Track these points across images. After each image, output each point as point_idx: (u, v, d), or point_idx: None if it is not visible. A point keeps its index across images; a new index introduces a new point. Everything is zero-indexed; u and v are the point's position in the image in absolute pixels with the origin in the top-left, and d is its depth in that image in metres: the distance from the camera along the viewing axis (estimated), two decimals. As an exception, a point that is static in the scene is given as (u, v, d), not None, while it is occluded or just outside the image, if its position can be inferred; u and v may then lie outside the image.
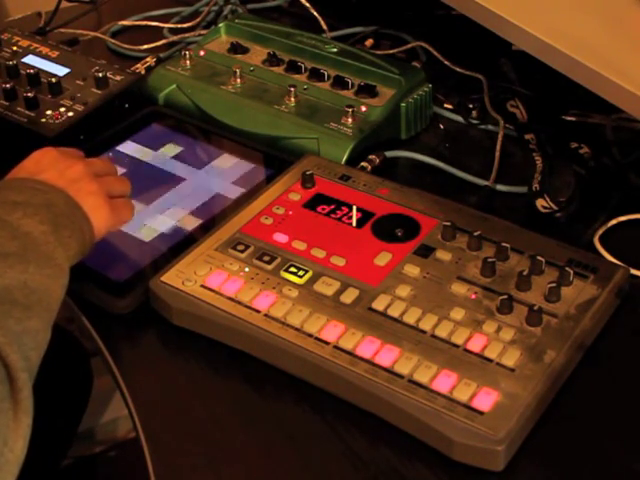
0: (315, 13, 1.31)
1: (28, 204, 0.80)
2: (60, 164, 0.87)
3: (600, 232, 0.97)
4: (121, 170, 1.06)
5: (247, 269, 0.90)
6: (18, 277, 0.74)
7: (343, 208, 0.96)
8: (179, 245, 0.95)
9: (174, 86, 1.18)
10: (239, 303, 0.87)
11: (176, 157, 1.09)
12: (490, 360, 0.80)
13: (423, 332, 0.83)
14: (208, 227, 0.97)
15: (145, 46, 1.32)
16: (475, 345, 0.81)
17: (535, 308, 0.83)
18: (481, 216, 0.95)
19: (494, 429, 0.75)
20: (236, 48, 1.23)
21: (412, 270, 0.89)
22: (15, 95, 1.15)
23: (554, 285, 0.85)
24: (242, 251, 0.92)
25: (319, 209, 0.97)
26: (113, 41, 1.33)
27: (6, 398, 0.67)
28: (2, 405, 0.67)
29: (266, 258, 0.91)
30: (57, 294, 0.78)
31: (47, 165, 0.86)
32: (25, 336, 0.72)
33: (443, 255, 0.90)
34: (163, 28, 1.36)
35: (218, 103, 1.15)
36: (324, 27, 1.30)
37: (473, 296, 0.86)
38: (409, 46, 1.28)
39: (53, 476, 1.32)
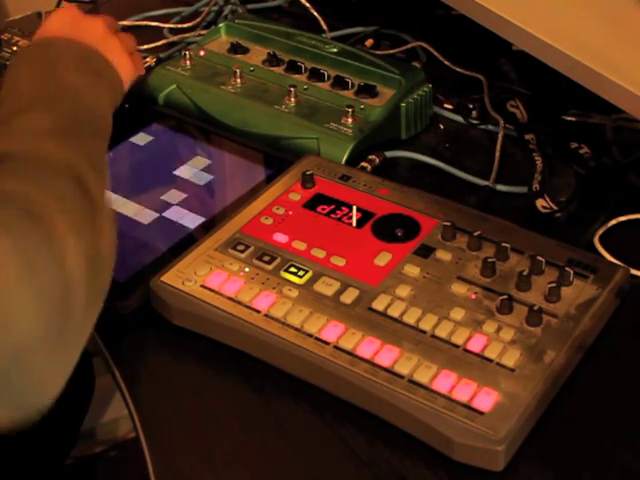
0: (315, 13, 1.31)
1: (69, 60, 0.87)
2: (82, 23, 0.93)
3: (600, 232, 0.97)
4: (121, 170, 1.06)
5: (247, 269, 0.90)
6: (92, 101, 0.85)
7: (343, 208, 0.96)
8: (179, 245, 0.95)
9: (174, 86, 1.18)
10: (239, 303, 0.87)
11: (176, 157, 1.09)
12: (490, 360, 0.80)
13: (423, 332, 0.83)
14: (208, 227, 0.97)
15: (145, 46, 1.31)
16: (475, 345, 0.81)
17: (535, 308, 0.83)
18: (481, 216, 0.95)
19: (494, 429, 0.75)
20: (236, 48, 1.23)
21: (412, 270, 0.89)
22: (15, 95, 1.15)
23: (554, 285, 0.85)
24: (242, 251, 0.92)
25: (319, 209, 0.97)
26: (113, 41, 1.33)
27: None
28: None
29: (266, 258, 0.91)
30: (104, 135, 0.87)
31: (70, 24, 0.92)
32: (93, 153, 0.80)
33: (443, 255, 0.90)
34: (163, 28, 1.35)
35: (218, 103, 1.15)
36: (324, 27, 1.30)
37: (473, 296, 0.86)
38: (409, 46, 1.28)
39: (56, 476, 1.32)
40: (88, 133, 0.82)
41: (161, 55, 1.28)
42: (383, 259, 0.90)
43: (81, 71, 0.87)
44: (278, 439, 0.80)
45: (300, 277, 0.88)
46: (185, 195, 1.03)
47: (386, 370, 0.80)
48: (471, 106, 1.17)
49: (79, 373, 1.34)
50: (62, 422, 1.27)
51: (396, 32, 1.31)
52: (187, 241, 0.96)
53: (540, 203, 0.99)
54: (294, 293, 0.87)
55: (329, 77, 1.17)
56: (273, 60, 1.20)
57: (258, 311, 0.86)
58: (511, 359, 0.80)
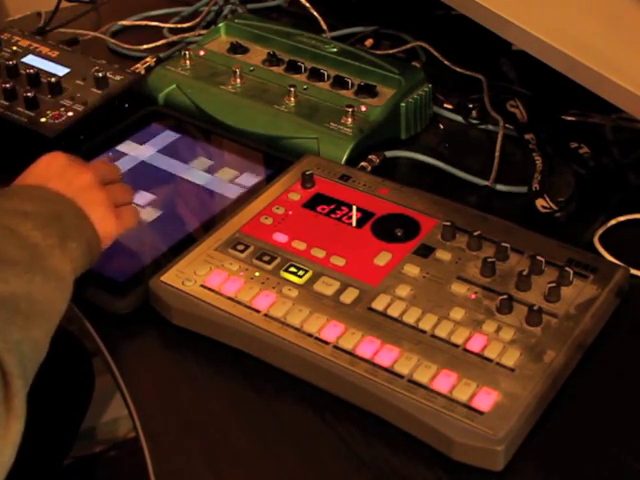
0: (315, 13, 1.31)
1: (38, 215, 0.80)
2: (68, 171, 0.87)
3: (600, 232, 0.97)
4: (121, 170, 1.06)
5: (247, 269, 0.90)
6: (23, 286, 0.75)
7: (343, 208, 0.96)
8: (179, 245, 0.95)
9: (174, 86, 1.18)
10: (239, 303, 0.87)
11: (176, 157, 1.09)
12: (490, 360, 0.80)
13: (423, 332, 0.83)
14: (208, 227, 0.97)
15: (145, 46, 1.32)
16: (475, 345, 0.81)
17: (535, 308, 0.83)
18: (481, 216, 0.95)
19: (494, 429, 0.75)
20: (236, 48, 1.23)
21: (412, 270, 0.89)
22: (15, 95, 1.15)
23: (554, 285, 0.85)
24: (242, 251, 0.92)
25: (319, 209, 0.97)
26: (113, 41, 1.33)
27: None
28: None
29: (266, 258, 0.91)
30: (60, 307, 0.79)
31: (56, 172, 0.86)
32: (25, 345, 0.72)
33: (443, 255, 0.90)
34: (163, 28, 1.36)
35: (218, 103, 1.15)
36: (324, 27, 1.30)
37: (473, 296, 0.86)
38: (409, 46, 1.28)
39: (55, 476, 1.32)
40: (25, 314, 0.74)
41: (161, 55, 1.28)
42: (383, 259, 0.90)
43: (48, 230, 0.80)
44: (278, 439, 0.80)
45: (300, 277, 0.88)
46: (185, 195, 1.03)
47: (386, 370, 0.80)
48: (471, 106, 1.17)
49: (79, 373, 1.35)
50: (61, 422, 1.28)
51: (396, 32, 1.31)
52: (187, 241, 0.96)
53: (540, 203, 0.99)
54: (294, 293, 0.87)
55: (329, 77, 1.17)
56: (273, 60, 1.20)
57: (258, 311, 0.86)
58: (511, 359, 0.80)
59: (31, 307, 0.74)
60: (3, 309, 0.72)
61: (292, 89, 1.13)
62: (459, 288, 0.87)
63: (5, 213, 0.80)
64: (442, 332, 0.83)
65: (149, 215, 1.00)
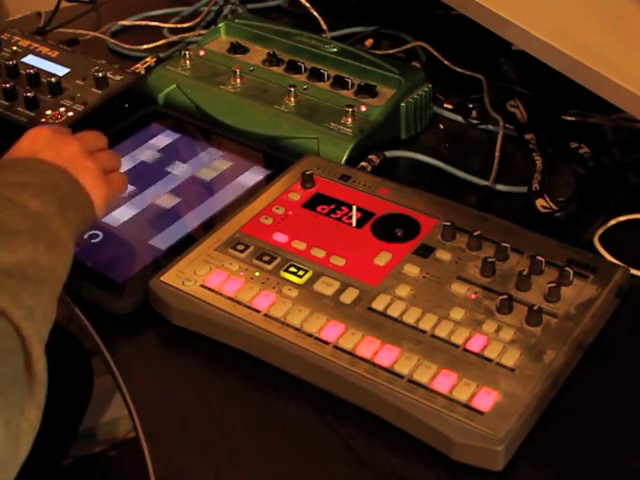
0: (315, 13, 1.31)
1: (35, 185, 0.81)
2: (55, 142, 0.88)
3: (600, 232, 0.97)
4: (121, 170, 1.06)
5: (247, 269, 0.90)
6: (29, 254, 0.76)
7: (343, 208, 0.96)
8: (179, 245, 0.95)
9: (174, 86, 1.18)
10: (239, 303, 0.87)
11: (176, 157, 1.09)
12: (490, 360, 0.80)
13: (423, 332, 0.83)
14: (208, 227, 0.97)
15: (145, 46, 1.32)
16: (475, 345, 0.81)
17: (535, 308, 0.83)
18: (481, 216, 0.95)
19: (494, 429, 0.75)
20: (236, 48, 1.23)
21: (412, 270, 0.89)
22: (15, 95, 1.15)
23: (554, 285, 0.85)
24: (242, 251, 0.92)
25: (319, 209, 0.97)
26: (113, 41, 1.33)
27: (22, 370, 0.69)
28: (19, 376, 0.69)
29: (266, 258, 0.91)
30: (63, 272, 0.81)
31: (43, 144, 0.87)
32: (37, 311, 0.74)
33: (443, 255, 0.90)
34: (163, 28, 1.36)
35: (218, 103, 1.15)
36: (324, 27, 1.30)
37: (473, 296, 0.86)
38: (409, 46, 1.28)
39: (53, 476, 1.32)
40: (34, 281, 0.76)
41: (161, 55, 1.28)
42: (383, 259, 0.90)
43: (45, 198, 0.81)
44: (278, 439, 0.80)
45: (300, 277, 0.88)
46: (185, 195, 1.03)
47: (386, 370, 0.80)
48: (471, 106, 1.17)
49: (78, 373, 1.35)
50: (60, 421, 1.27)
51: (396, 32, 1.31)
52: (187, 241, 0.96)
53: (540, 203, 0.99)
54: (294, 293, 0.87)
55: (329, 77, 1.17)
56: (273, 60, 1.20)
57: (258, 311, 0.86)
58: (511, 359, 0.80)
59: (38, 274, 0.76)
60: (13, 277, 0.74)
61: (292, 89, 1.13)
62: (459, 288, 0.87)
63: (2, 185, 0.81)
64: (442, 332, 0.83)
65: (149, 215, 1.00)
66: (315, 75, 1.17)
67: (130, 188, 1.02)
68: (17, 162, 0.86)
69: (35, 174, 0.83)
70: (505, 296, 0.84)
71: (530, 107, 1.12)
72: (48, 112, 1.13)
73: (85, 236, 0.97)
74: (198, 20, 1.36)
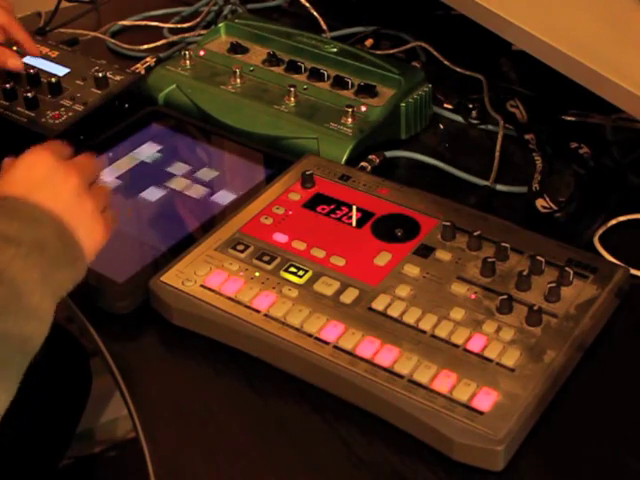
0: (315, 13, 1.31)
1: (20, 242, 0.73)
2: (54, 177, 0.79)
3: (600, 232, 0.97)
4: (121, 170, 1.06)
5: (247, 269, 0.90)
6: None
7: (343, 208, 0.96)
8: (179, 245, 0.95)
9: (174, 86, 1.18)
10: (239, 303, 0.87)
11: (176, 157, 1.09)
12: (490, 360, 0.80)
13: (423, 332, 0.83)
14: (208, 227, 0.97)
15: (145, 46, 1.32)
16: (475, 345, 0.81)
17: (535, 308, 0.83)
18: (481, 216, 0.95)
19: (494, 429, 0.75)
20: (236, 48, 1.23)
21: (412, 270, 0.89)
22: (15, 95, 1.15)
23: (554, 285, 0.85)
24: (242, 251, 0.92)
25: (319, 209, 0.97)
26: (113, 41, 1.33)
27: None
28: None
29: (266, 258, 0.91)
30: (35, 343, 0.74)
31: (41, 179, 0.78)
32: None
33: (443, 255, 0.90)
34: (163, 28, 1.36)
35: (218, 103, 1.15)
36: (324, 27, 1.30)
37: (473, 296, 0.86)
38: (409, 46, 1.28)
39: (52, 476, 1.32)
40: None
41: (161, 55, 1.28)
42: (383, 259, 0.90)
43: (30, 262, 0.73)
44: (278, 439, 0.80)
45: (300, 277, 0.88)
46: (185, 195, 1.03)
47: (386, 370, 0.80)
48: (471, 106, 1.17)
49: (76, 373, 1.35)
50: (58, 421, 1.27)
51: (396, 32, 1.31)
52: (187, 241, 0.96)
53: (540, 203, 0.99)
54: (294, 293, 0.87)
55: (329, 77, 1.17)
56: (273, 60, 1.20)
57: (258, 311, 0.86)
58: (511, 359, 0.80)
59: (1, 349, 0.70)
60: None
61: (292, 89, 1.13)
62: (459, 288, 0.87)
63: None
64: (442, 332, 0.82)
65: (148, 215, 1.00)
66: (315, 75, 1.17)
67: (130, 188, 1.03)
68: (7, 202, 0.76)
69: (24, 225, 0.74)
70: (505, 296, 0.84)
71: (530, 107, 1.12)
72: (48, 112, 1.13)
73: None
74: (198, 20, 1.36)
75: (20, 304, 0.72)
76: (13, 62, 1.14)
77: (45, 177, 0.79)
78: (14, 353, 0.71)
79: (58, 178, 0.79)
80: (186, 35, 1.34)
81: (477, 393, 0.77)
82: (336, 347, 0.82)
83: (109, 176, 1.05)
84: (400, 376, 0.79)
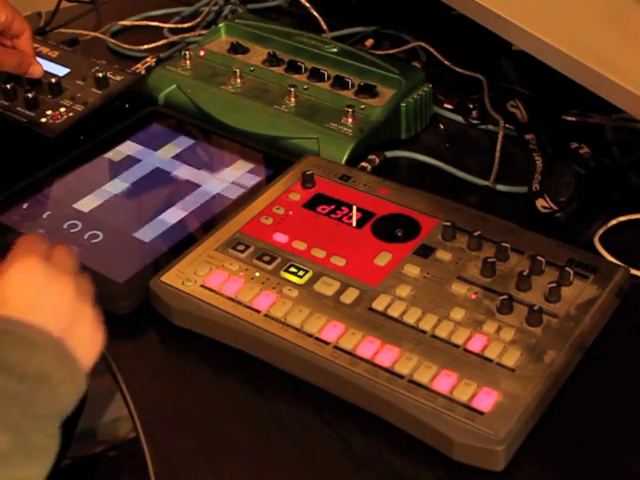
0: (315, 13, 1.31)
1: (22, 377, 0.67)
2: (51, 290, 0.72)
3: (600, 232, 0.97)
4: (121, 170, 1.06)
5: (247, 269, 0.90)
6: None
7: (343, 208, 0.96)
8: (179, 245, 0.95)
9: (174, 86, 1.18)
10: (239, 303, 0.87)
11: (176, 157, 1.09)
12: (490, 360, 0.80)
13: (423, 332, 0.83)
14: (208, 227, 0.97)
15: (145, 46, 1.32)
16: (475, 345, 0.81)
17: (535, 308, 0.83)
18: (481, 216, 0.95)
19: (494, 429, 0.75)
20: (236, 48, 1.23)
21: (412, 270, 0.89)
22: (15, 95, 1.15)
23: (554, 285, 0.85)
24: (242, 251, 0.92)
25: (319, 209, 0.97)
26: (113, 41, 1.33)
27: None
28: None
29: (266, 258, 0.91)
30: (42, 476, 0.69)
31: (37, 296, 0.71)
32: None
33: (443, 255, 0.90)
34: (163, 28, 1.36)
35: (218, 103, 1.15)
36: (324, 27, 1.30)
37: (473, 296, 0.86)
38: (409, 46, 1.28)
39: (52, 476, 1.32)
40: None
41: (161, 55, 1.28)
42: (383, 259, 0.90)
43: (40, 399, 0.68)
44: (278, 439, 0.80)
45: (300, 277, 0.88)
46: (185, 195, 1.03)
47: (386, 370, 0.80)
48: (471, 106, 1.17)
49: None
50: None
51: (396, 32, 1.31)
52: (187, 241, 0.96)
53: (540, 203, 0.99)
54: (294, 293, 0.87)
55: (329, 77, 1.17)
56: (273, 60, 1.20)
57: (258, 311, 0.86)
58: (511, 359, 0.80)
59: None
60: None
61: (292, 89, 1.13)
62: (459, 288, 0.87)
63: None
64: (442, 332, 0.82)
65: (148, 215, 1.00)
66: (315, 75, 1.17)
67: (130, 188, 1.03)
68: (5, 325, 0.69)
69: (23, 354, 0.68)
70: (505, 296, 0.84)
71: (530, 107, 1.12)
72: (48, 112, 1.13)
73: (85, 236, 0.97)
74: (198, 20, 1.36)
75: (28, 446, 0.66)
76: (34, 69, 1.14)
77: (39, 292, 0.71)
78: None
79: (53, 290, 0.72)
80: (186, 35, 1.34)
81: (477, 393, 0.77)
82: (336, 347, 0.82)
83: (109, 176, 1.05)
84: (400, 376, 0.79)
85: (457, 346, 0.81)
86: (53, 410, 0.70)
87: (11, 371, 0.67)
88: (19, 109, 1.14)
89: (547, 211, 0.99)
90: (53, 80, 1.16)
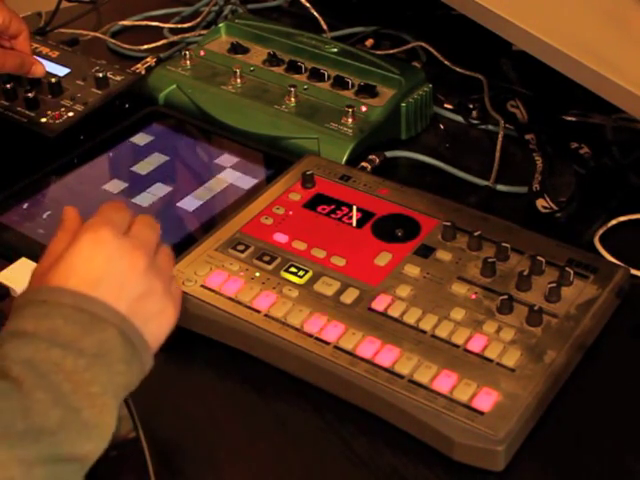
0: (315, 13, 1.31)
1: (80, 352, 0.66)
2: (120, 264, 0.70)
3: (600, 232, 0.97)
4: (121, 170, 1.06)
5: (247, 269, 0.90)
6: (48, 451, 0.63)
7: (343, 208, 0.96)
8: (179, 245, 0.95)
9: (174, 86, 1.18)
10: (239, 303, 0.87)
11: (176, 157, 1.09)
12: (490, 360, 0.80)
13: (423, 332, 0.83)
14: (208, 227, 0.97)
15: (145, 46, 1.32)
16: (475, 345, 0.81)
17: (535, 308, 0.83)
18: (481, 216, 0.95)
19: (494, 429, 0.75)
20: (236, 48, 1.23)
21: (412, 270, 0.89)
22: (15, 95, 1.15)
23: (554, 285, 0.85)
24: (242, 251, 0.92)
25: (319, 209, 0.97)
26: (113, 41, 1.33)
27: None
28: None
29: (266, 258, 0.91)
30: (93, 459, 0.68)
31: (105, 269, 0.69)
32: None
33: (443, 255, 0.90)
34: (163, 28, 1.36)
35: (218, 103, 1.15)
36: (324, 27, 1.30)
37: (473, 296, 0.86)
38: (409, 46, 1.28)
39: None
40: None
41: (161, 55, 1.28)
42: (383, 259, 0.90)
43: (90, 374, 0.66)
44: (278, 439, 0.80)
45: (300, 277, 0.88)
46: (185, 195, 1.03)
47: (386, 370, 0.80)
48: (471, 106, 1.17)
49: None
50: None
51: (396, 32, 1.31)
52: (187, 241, 0.96)
53: (540, 203, 0.99)
54: (294, 293, 0.87)
55: (329, 77, 1.17)
56: (273, 60, 1.20)
57: (258, 311, 0.86)
58: (511, 359, 0.80)
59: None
60: None
61: (292, 89, 1.13)
62: (459, 288, 0.87)
63: (46, 339, 0.65)
64: (442, 332, 0.82)
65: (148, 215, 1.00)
66: (315, 75, 1.17)
67: (130, 188, 1.03)
68: (65, 298, 0.67)
69: (82, 329, 0.66)
70: (505, 296, 0.84)
71: (530, 107, 1.13)
72: (48, 112, 1.13)
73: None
74: (198, 20, 1.36)
75: (78, 422, 0.65)
76: (36, 69, 1.13)
77: (109, 265, 0.69)
78: (75, 473, 0.66)
79: (123, 265, 0.70)
80: (186, 35, 1.34)
81: (477, 393, 0.77)
82: (336, 347, 0.82)
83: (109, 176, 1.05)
84: (400, 376, 0.79)
85: (457, 346, 0.81)
86: (111, 388, 0.68)
87: (69, 346, 0.65)
88: (19, 109, 1.14)
89: (547, 211, 0.99)
90: (53, 80, 1.16)
